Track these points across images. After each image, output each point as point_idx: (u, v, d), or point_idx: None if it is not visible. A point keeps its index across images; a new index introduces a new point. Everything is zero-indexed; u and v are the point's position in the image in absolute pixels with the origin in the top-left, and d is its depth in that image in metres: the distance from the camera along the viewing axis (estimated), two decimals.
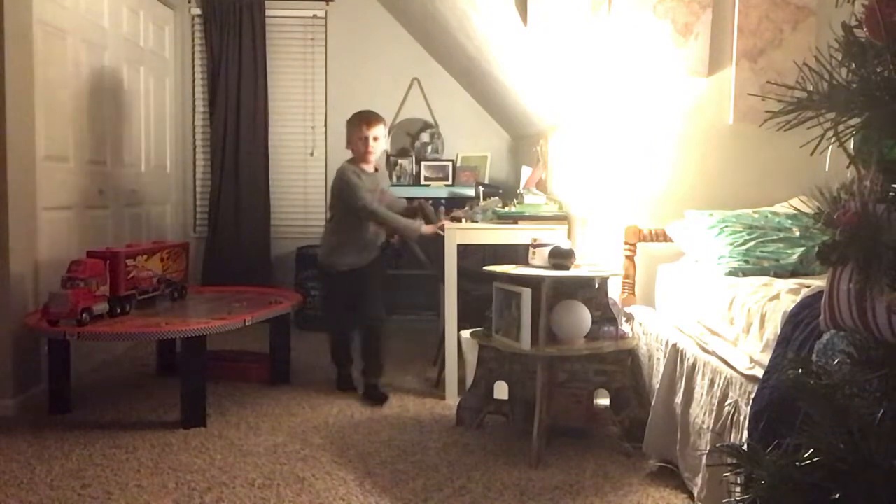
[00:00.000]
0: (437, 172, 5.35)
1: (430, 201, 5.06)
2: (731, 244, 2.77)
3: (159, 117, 5.01)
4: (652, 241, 3.25)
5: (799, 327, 1.84)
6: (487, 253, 4.62)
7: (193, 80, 5.48)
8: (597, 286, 3.03)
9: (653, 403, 2.73)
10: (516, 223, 3.57)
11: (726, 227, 2.85)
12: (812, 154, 1.08)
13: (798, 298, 2.03)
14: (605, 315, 3.00)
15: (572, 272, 2.94)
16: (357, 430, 3.12)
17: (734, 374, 2.23)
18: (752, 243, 2.75)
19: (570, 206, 3.72)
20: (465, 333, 3.43)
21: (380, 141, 3.65)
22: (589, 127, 3.48)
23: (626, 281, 3.28)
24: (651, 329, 2.95)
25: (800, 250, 2.70)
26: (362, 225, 3.62)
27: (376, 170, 3.73)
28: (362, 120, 3.63)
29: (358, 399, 3.55)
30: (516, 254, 3.62)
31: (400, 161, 5.39)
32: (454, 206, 4.90)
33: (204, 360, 3.17)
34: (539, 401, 2.84)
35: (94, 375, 3.88)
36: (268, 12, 5.39)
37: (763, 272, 2.66)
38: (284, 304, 3.70)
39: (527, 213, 3.60)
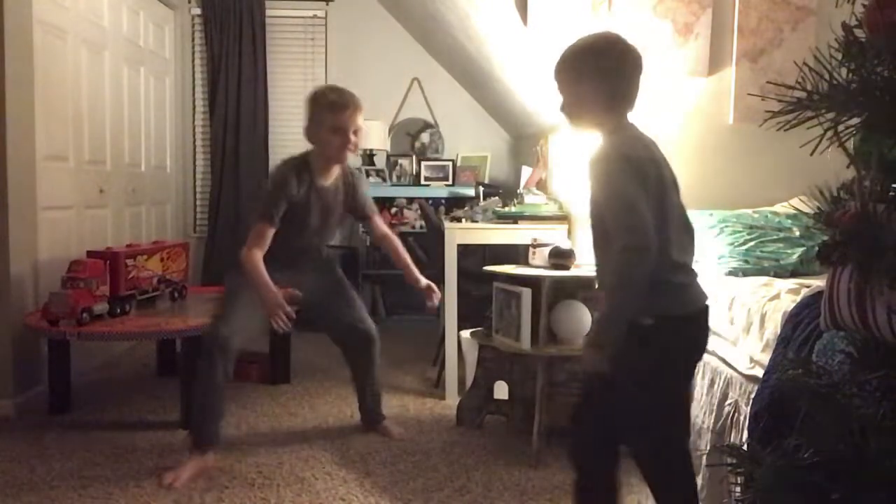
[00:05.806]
0: (437, 172, 5.34)
1: (430, 201, 5.09)
2: (731, 244, 2.77)
3: (159, 117, 5.01)
4: None
5: (799, 327, 1.84)
6: (487, 253, 4.62)
7: (193, 80, 5.48)
8: (597, 286, 3.02)
9: None
10: (516, 223, 3.57)
11: (726, 227, 2.85)
12: (812, 154, 1.08)
13: (798, 298, 2.03)
14: None
15: (572, 272, 2.94)
16: (357, 429, 3.12)
17: (734, 374, 2.23)
18: (752, 243, 2.75)
19: (570, 206, 3.72)
20: (465, 333, 3.43)
21: (360, 134, 2.70)
22: None
23: None
24: None
25: (800, 250, 2.70)
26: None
27: (346, 177, 2.81)
28: (338, 104, 2.61)
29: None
30: (516, 254, 3.61)
31: (400, 161, 5.39)
32: (454, 205, 4.92)
33: None
34: (539, 401, 2.84)
35: (94, 375, 3.88)
36: (268, 12, 5.39)
37: (763, 272, 2.65)
38: None
39: (527, 213, 3.60)
